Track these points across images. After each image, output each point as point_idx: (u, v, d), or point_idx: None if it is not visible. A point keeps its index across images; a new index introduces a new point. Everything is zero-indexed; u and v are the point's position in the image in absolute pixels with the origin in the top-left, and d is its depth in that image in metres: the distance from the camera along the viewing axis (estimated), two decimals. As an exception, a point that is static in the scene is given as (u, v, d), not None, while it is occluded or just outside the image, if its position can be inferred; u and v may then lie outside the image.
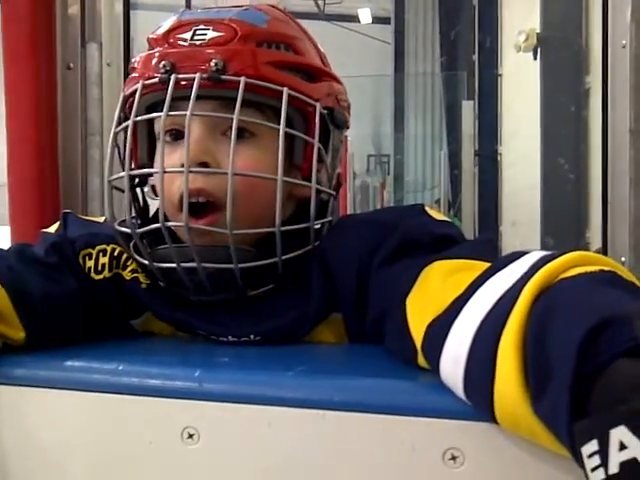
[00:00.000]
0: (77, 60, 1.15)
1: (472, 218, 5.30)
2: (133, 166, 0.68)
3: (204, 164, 0.62)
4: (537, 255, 0.46)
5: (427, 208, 0.67)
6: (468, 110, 5.25)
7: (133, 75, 0.66)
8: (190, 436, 0.52)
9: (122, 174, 0.63)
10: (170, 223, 0.61)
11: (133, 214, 0.69)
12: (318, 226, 0.67)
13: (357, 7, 8.35)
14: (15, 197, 1.08)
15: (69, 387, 0.56)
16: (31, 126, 1.07)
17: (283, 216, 0.66)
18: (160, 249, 0.63)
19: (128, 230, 0.62)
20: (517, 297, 0.42)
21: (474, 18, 5.75)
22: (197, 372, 0.54)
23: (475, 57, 5.88)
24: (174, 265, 0.61)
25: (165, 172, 0.59)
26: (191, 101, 0.59)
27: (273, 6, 0.72)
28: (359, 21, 8.55)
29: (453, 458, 0.47)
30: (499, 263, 0.48)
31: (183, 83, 0.61)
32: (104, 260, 0.66)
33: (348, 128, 0.74)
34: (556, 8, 4.11)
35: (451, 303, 0.48)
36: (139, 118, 0.63)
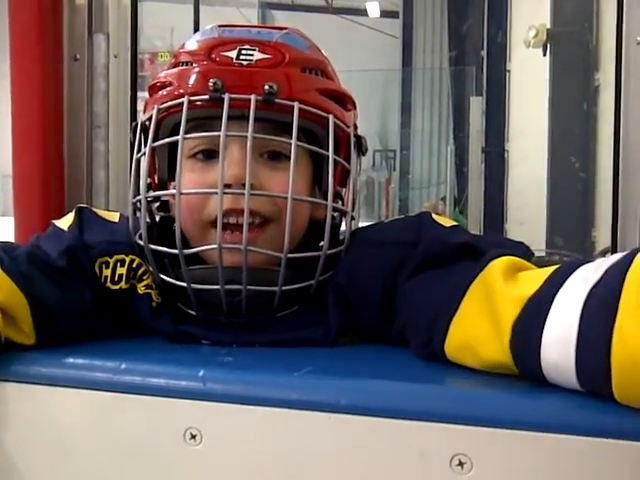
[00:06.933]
0: (84, 51, 1.13)
1: (478, 216, 5.27)
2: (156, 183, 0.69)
3: (250, 185, 0.60)
4: (619, 254, 0.46)
5: (434, 216, 0.67)
6: (476, 106, 5.22)
7: (168, 89, 0.65)
8: (192, 437, 0.52)
9: (172, 191, 0.62)
10: (228, 245, 0.60)
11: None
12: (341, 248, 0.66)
13: (365, 0, 8.31)
14: (20, 188, 1.07)
15: (71, 385, 0.55)
16: (37, 117, 1.06)
17: (299, 238, 0.66)
18: (203, 269, 0.62)
19: (175, 251, 0.60)
20: (625, 271, 0.43)
21: (483, 13, 5.71)
22: (201, 372, 0.53)
23: (484, 52, 5.84)
24: (217, 287, 0.60)
25: (225, 193, 0.59)
26: (250, 122, 0.59)
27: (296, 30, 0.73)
28: (367, 14, 8.51)
29: (460, 464, 0.47)
30: (571, 264, 0.49)
31: (235, 103, 0.61)
32: (122, 271, 0.64)
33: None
34: (566, 3, 4.07)
35: (530, 299, 0.48)
36: (194, 135, 0.62)
